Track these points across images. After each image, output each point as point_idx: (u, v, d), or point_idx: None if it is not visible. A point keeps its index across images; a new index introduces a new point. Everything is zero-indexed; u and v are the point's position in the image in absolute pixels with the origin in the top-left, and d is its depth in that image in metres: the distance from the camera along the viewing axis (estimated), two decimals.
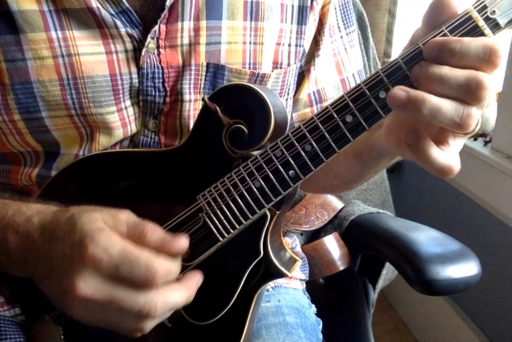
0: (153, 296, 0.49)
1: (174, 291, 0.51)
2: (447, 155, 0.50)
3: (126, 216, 0.52)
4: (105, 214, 0.51)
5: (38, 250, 0.52)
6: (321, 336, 0.88)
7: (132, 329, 0.51)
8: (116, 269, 0.48)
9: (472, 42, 0.44)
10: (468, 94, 0.45)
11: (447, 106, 0.46)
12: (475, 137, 1.54)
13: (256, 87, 0.58)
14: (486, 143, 1.50)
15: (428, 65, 0.46)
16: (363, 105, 0.49)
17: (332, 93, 0.81)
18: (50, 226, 0.53)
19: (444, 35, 0.46)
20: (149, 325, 0.51)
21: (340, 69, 0.82)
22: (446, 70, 0.45)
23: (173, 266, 0.50)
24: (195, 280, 0.55)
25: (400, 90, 0.46)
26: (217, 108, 0.59)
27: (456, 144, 0.51)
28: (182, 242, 0.52)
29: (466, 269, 0.84)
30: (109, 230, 0.49)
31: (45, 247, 0.51)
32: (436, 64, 0.46)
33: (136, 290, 0.49)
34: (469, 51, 0.44)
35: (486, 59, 0.45)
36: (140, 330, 0.51)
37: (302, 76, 0.79)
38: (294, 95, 0.80)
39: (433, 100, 0.46)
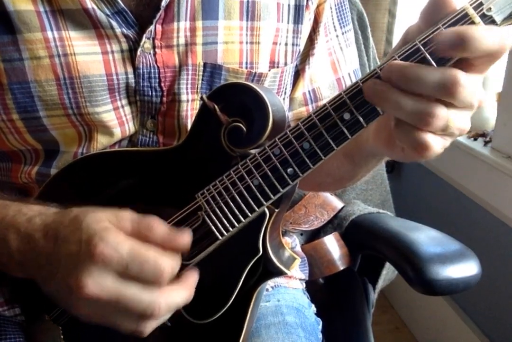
0: (158, 296, 0.49)
1: (176, 291, 0.52)
2: (430, 135, 0.49)
3: (128, 214, 0.52)
4: (108, 213, 0.52)
5: (40, 250, 0.52)
6: (320, 336, 0.88)
7: (134, 330, 0.51)
8: (126, 268, 0.48)
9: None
10: (444, 92, 0.46)
11: (406, 102, 0.46)
12: (475, 137, 1.54)
13: (254, 85, 0.58)
14: (486, 143, 1.50)
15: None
16: (360, 102, 0.50)
17: (328, 93, 0.81)
18: (53, 226, 0.53)
19: (441, 32, 0.46)
20: (151, 326, 0.51)
21: (335, 69, 0.82)
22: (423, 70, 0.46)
23: (178, 264, 0.51)
24: (194, 278, 0.55)
25: (370, 83, 0.47)
26: (216, 106, 0.59)
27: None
28: (186, 237, 0.53)
29: (466, 269, 0.84)
30: (115, 228, 0.50)
31: (49, 246, 0.52)
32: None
33: (142, 289, 0.49)
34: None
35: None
36: (141, 331, 0.51)
37: (297, 75, 0.79)
38: (290, 94, 0.80)
39: (393, 96, 0.46)
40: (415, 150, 0.49)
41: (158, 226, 0.52)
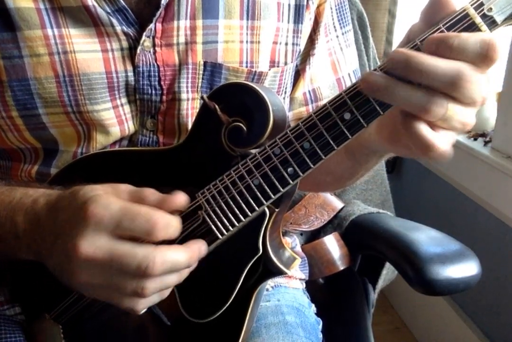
0: (152, 250, 0.49)
1: (174, 249, 0.51)
2: (436, 134, 0.49)
3: (125, 186, 0.53)
4: (106, 185, 0.53)
5: (44, 225, 0.53)
6: (320, 335, 0.88)
7: (133, 290, 0.50)
8: (117, 224, 0.48)
9: (470, 38, 0.44)
10: (453, 87, 0.45)
11: (414, 95, 0.46)
12: (475, 137, 1.54)
13: (255, 85, 0.58)
14: (486, 143, 1.50)
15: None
16: (361, 102, 0.50)
17: (328, 92, 0.81)
18: (54, 202, 0.54)
19: (442, 32, 0.46)
20: (149, 287, 0.50)
21: (335, 69, 0.82)
22: (433, 61, 0.45)
23: (173, 219, 0.51)
24: (198, 245, 0.55)
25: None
26: (216, 106, 0.59)
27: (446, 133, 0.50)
28: (181, 197, 0.53)
29: (466, 269, 0.84)
30: (110, 194, 0.51)
31: (50, 219, 0.53)
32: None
33: (137, 244, 0.49)
34: (466, 46, 0.44)
35: (484, 54, 0.45)
36: (140, 291, 0.50)
37: (297, 75, 0.79)
38: (290, 94, 0.80)
39: (396, 87, 0.46)
40: (421, 149, 0.49)
41: (152, 193, 0.52)
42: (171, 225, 0.51)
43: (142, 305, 0.52)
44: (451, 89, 0.45)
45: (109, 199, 0.50)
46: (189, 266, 0.53)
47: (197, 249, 0.54)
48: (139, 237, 0.49)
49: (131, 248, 0.49)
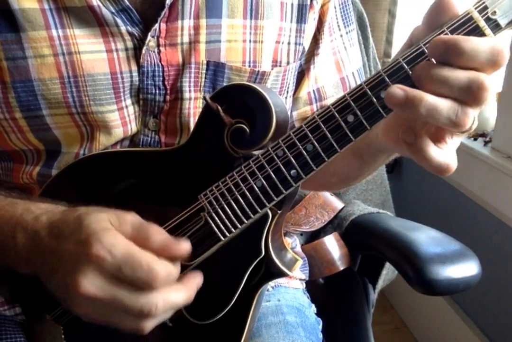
0: (154, 296, 0.50)
1: (174, 291, 0.52)
2: (444, 153, 0.50)
3: (131, 218, 0.53)
4: (111, 214, 0.52)
5: (45, 247, 0.53)
6: (321, 335, 0.88)
7: (133, 328, 0.52)
8: (119, 270, 0.49)
9: (481, 42, 0.44)
10: (469, 95, 0.46)
11: (443, 105, 0.46)
12: (475, 137, 1.54)
13: (257, 87, 0.58)
14: (486, 143, 1.50)
15: (431, 66, 0.46)
16: (364, 105, 0.50)
17: (332, 92, 0.81)
18: (57, 224, 0.54)
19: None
20: (150, 324, 0.52)
21: (340, 68, 0.82)
22: (449, 72, 0.45)
23: (174, 269, 0.52)
24: (196, 280, 0.56)
25: (397, 89, 0.46)
26: (219, 107, 0.59)
27: (453, 142, 0.51)
28: (184, 246, 0.53)
29: (466, 269, 0.84)
30: (114, 230, 0.51)
31: (52, 244, 0.53)
32: (439, 64, 0.46)
33: (138, 290, 0.50)
34: (478, 52, 0.44)
35: (494, 61, 0.45)
36: (141, 329, 0.52)
37: (302, 74, 0.79)
38: (294, 94, 0.80)
39: (430, 99, 0.46)
40: (435, 171, 0.50)
41: (157, 233, 0.52)
42: (172, 275, 0.52)
43: (143, 333, 0.53)
44: (469, 97, 0.46)
45: (114, 237, 0.50)
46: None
47: (196, 285, 0.55)
48: (139, 284, 0.50)
49: (132, 293, 0.50)
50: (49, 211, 0.56)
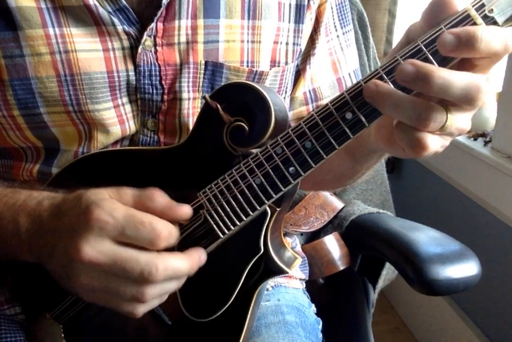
0: (155, 257, 0.50)
1: (175, 257, 0.53)
2: (429, 136, 0.48)
3: (130, 189, 0.54)
4: (110, 189, 0.53)
5: (46, 227, 0.54)
6: (320, 335, 0.88)
7: (133, 295, 0.51)
8: (122, 231, 0.49)
9: (498, 32, 0.43)
10: (468, 99, 0.45)
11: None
12: (475, 137, 1.55)
13: (257, 85, 0.58)
14: (486, 143, 1.50)
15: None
16: (363, 102, 0.50)
17: (328, 92, 0.81)
18: (58, 204, 0.55)
19: (446, 31, 0.45)
20: (150, 292, 0.51)
21: (336, 69, 0.82)
22: (447, 73, 0.44)
23: (175, 229, 0.53)
24: (198, 253, 0.56)
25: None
26: (218, 106, 0.59)
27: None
28: (185, 208, 0.54)
29: (466, 269, 0.84)
30: (114, 199, 0.51)
31: (53, 223, 0.53)
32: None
33: (139, 251, 0.50)
34: (492, 40, 0.43)
35: (501, 52, 0.44)
36: (141, 297, 0.51)
37: (298, 74, 0.79)
38: (290, 94, 0.80)
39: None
40: (413, 149, 0.49)
41: (159, 197, 0.53)
42: (173, 235, 0.52)
43: (141, 310, 0.53)
44: (463, 101, 0.45)
45: (113, 204, 0.50)
46: (189, 274, 0.54)
47: (198, 257, 0.56)
48: (142, 243, 0.50)
49: (134, 254, 0.50)
50: (51, 196, 0.57)
